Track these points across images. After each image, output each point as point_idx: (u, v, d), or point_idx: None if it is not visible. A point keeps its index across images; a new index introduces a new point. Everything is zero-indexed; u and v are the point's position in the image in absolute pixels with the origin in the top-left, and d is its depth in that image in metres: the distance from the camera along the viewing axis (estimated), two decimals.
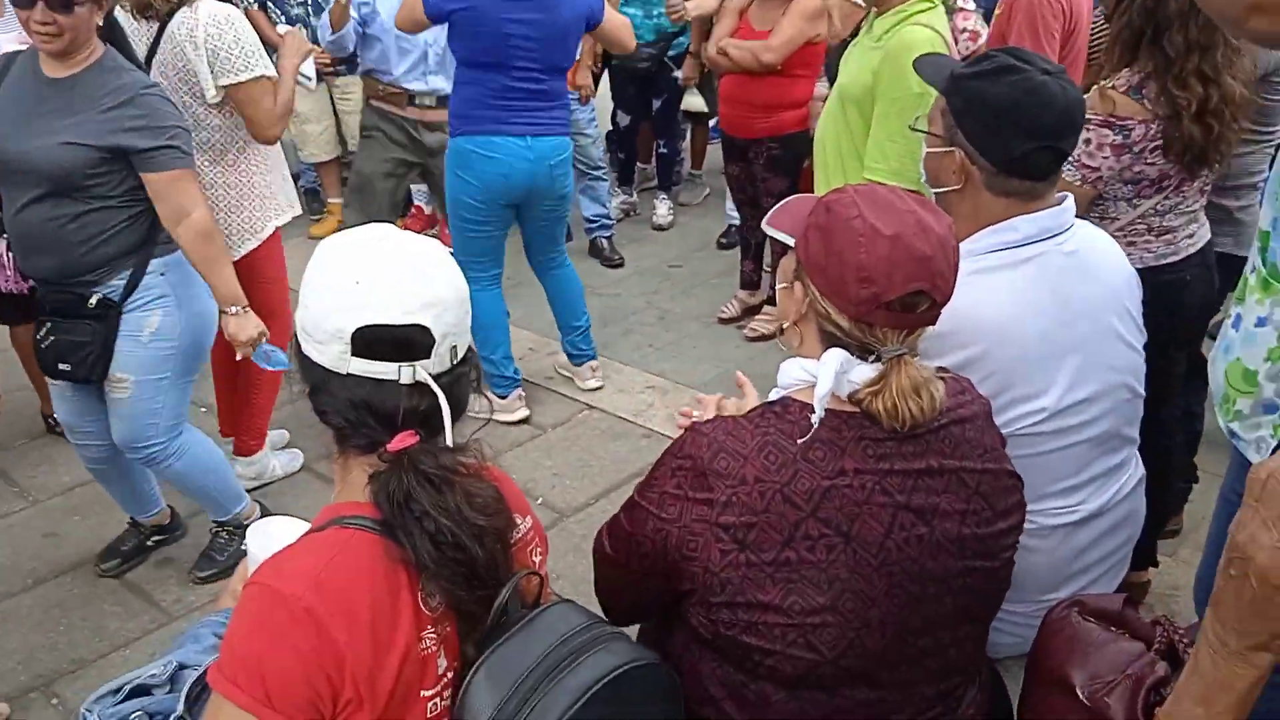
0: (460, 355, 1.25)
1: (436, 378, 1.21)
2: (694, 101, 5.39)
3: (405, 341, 1.19)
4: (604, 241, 5.28)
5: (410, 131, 4.22)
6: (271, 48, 3.29)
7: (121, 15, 2.86)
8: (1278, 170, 1.48)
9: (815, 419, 1.28)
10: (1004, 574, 1.43)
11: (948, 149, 1.72)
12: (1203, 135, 2.16)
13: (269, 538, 1.38)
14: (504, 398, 3.77)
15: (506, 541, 1.27)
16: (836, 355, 1.30)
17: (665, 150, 5.68)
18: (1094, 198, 2.30)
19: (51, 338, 2.60)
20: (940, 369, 1.45)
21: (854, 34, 3.42)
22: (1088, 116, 2.19)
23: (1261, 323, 1.45)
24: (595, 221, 5.27)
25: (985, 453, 1.39)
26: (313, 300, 1.22)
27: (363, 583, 1.15)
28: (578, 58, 4.86)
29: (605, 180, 5.33)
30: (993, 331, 1.64)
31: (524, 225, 3.78)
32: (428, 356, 1.20)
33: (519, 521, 1.34)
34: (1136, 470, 1.86)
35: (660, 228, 5.67)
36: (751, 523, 1.28)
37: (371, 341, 1.18)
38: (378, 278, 1.19)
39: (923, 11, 2.94)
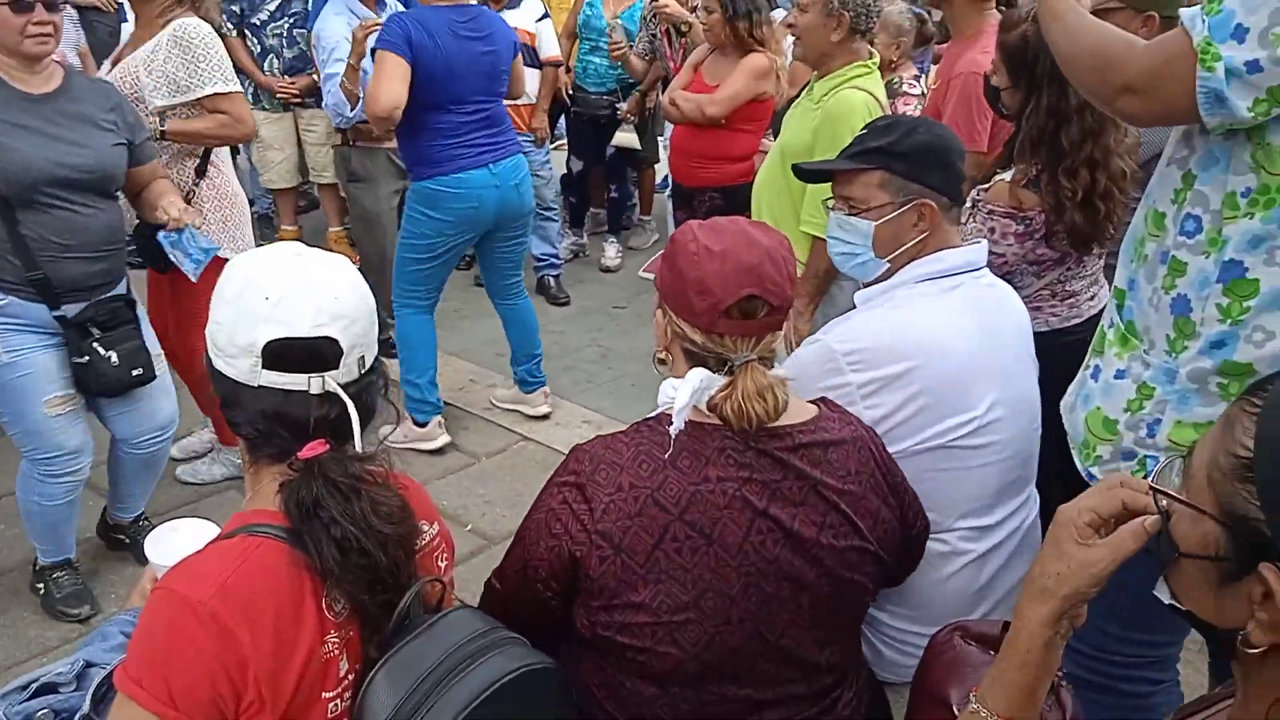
0: (368, 365, 1.31)
1: (345, 387, 1.26)
2: (627, 139, 5.51)
3: (315, 353, 1.25)
4: (551, 280, 5.37)
5: (396, 161, 4.27)
6: (242, 71, 3.36)
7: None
8: (1130, 233, 1.62)
9: (673, 429, 1.40)
10: (863, 591, 1.53)
11: (905, 208, 1.86)
12: (1088, 221, 2.28)
13: (173, 533, 1.44)
14: (424, 425, 3.79)
15: (410, 548, 1.33)
16: (698, 373, 1.43)
17: (616, 195, 5.81)
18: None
19: (112, 352, 2.67)
20: (819, 401, 1.58)
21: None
22: (990, 207, 2.37)
23: (1121, 375, 1.58)
24: (544, 260, 5.37)
25: (849, 475, 1.50)
26: (224, 315, 1.26)
27: (268, 589, 1.20)
28: (533, 101, 5.02)
29: (556, 220, 5.44)
30: (925, 348, 1.77)
31: (486, 255, 3.87)
32: (337, 367, 1.26)
33: (425, 528, 1.39)
34: (1035, 505, 1.98)
35: (608, 269, 5.78)
36: (626, 526, 1.39)
37: (282, 354, 1.24)
38: (287, 293, 1.24)
39: (860, 76, 3.10)
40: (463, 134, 3.52)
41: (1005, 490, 1.86)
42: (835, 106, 3.03)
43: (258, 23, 4.86)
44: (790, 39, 4.44)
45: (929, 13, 4.79)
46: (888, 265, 1.91)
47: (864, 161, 1.89)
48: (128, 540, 3.15)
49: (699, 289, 1.44)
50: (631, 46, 5.17)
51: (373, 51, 3.39)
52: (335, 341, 1.25)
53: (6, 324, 2.60)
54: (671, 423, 1.42)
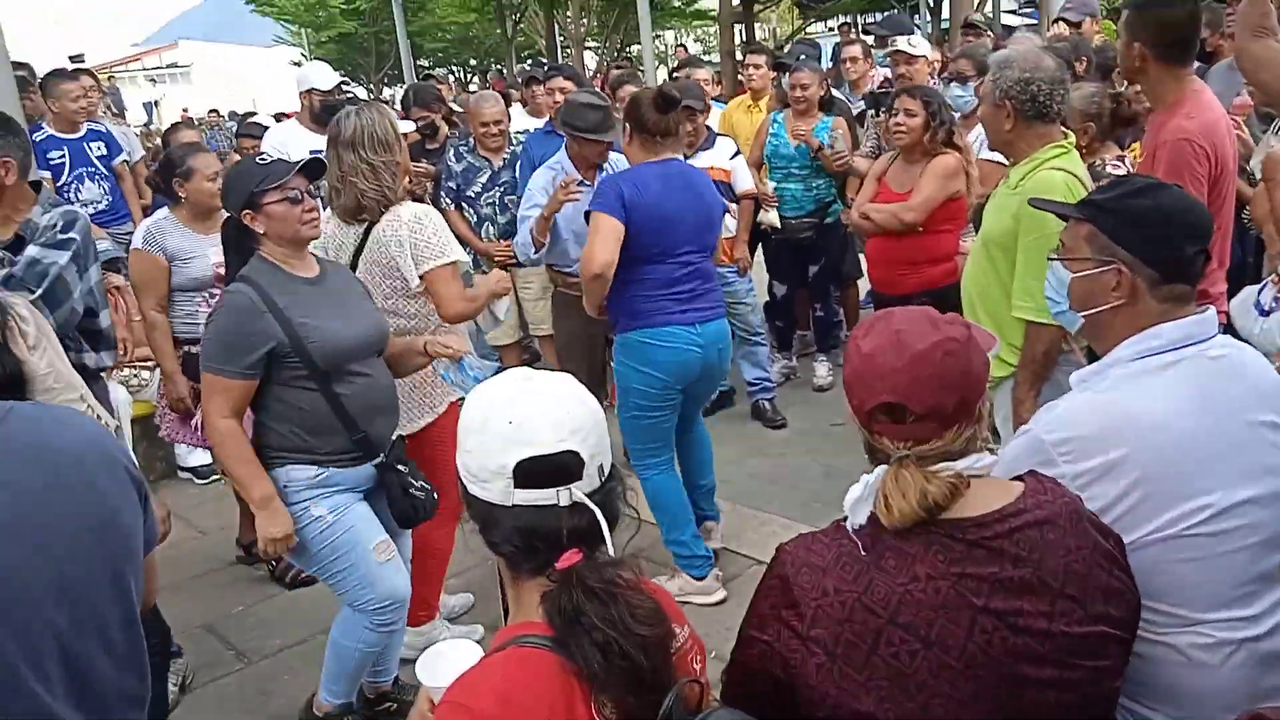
0: (607, 472, 1.39)
1: (590, 495, 1.35)
2: (768, 218, 5.50)
3: (561, 467, 1.34)
4: (766, 404, 5.41)
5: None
6: (463, 240, 3.65)
7: (329, 222, 3.27)
8: None
9: (849, 524, 1.39)
10: (1111, 677, 1.43)
11: (1103, 269, 1.81)
12: None
13: (440, 658, 1.53)
14: (701, 579, 3.70)
15: (667, 650, 1.36)
16: (879, 470, 1.42)
17: (822, 313, 5.85)
18: None
19: (420, 481, 2.91)
20: (1024, 475, 1.52)
21: None
22: None
23: None
24: (757, 385, 5.43)
25: (1070, 552, 1.42)
26: (473, 444, 1.38)
27: (544, 697, 1.26)
28: (734, 232, 5.20)
29: (764, 345, 5.52)
30: (1139, 434, 1.67)
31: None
32: (580, 478, 1.35)
33: (678, 631, 1.43)
34: None
35: (821, 389, 5.76)
36: (838, 633, 1.35)
37: (531, 472, 1.33)
38: (527, 415, 1.35)
39: (1056, 157, 3.06)
40: (672, 287, 3.54)
41: (1267, 571, 1.69)
42: (1034, 187, 2.98)
43: (472, 195, 5.32)
44: (973, 134, 4.44)
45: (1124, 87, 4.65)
46: (1082, 321, 1.85)
47: (1080, 211, 1.87)
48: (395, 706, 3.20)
49: (848, 388, 1.49)
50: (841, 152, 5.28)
51: (587, 215, 3.52)
52: (576, 454, 1.34)
53: (322, 492, 2.78)
54: (871, 522, 1.42)
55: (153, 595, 1.77)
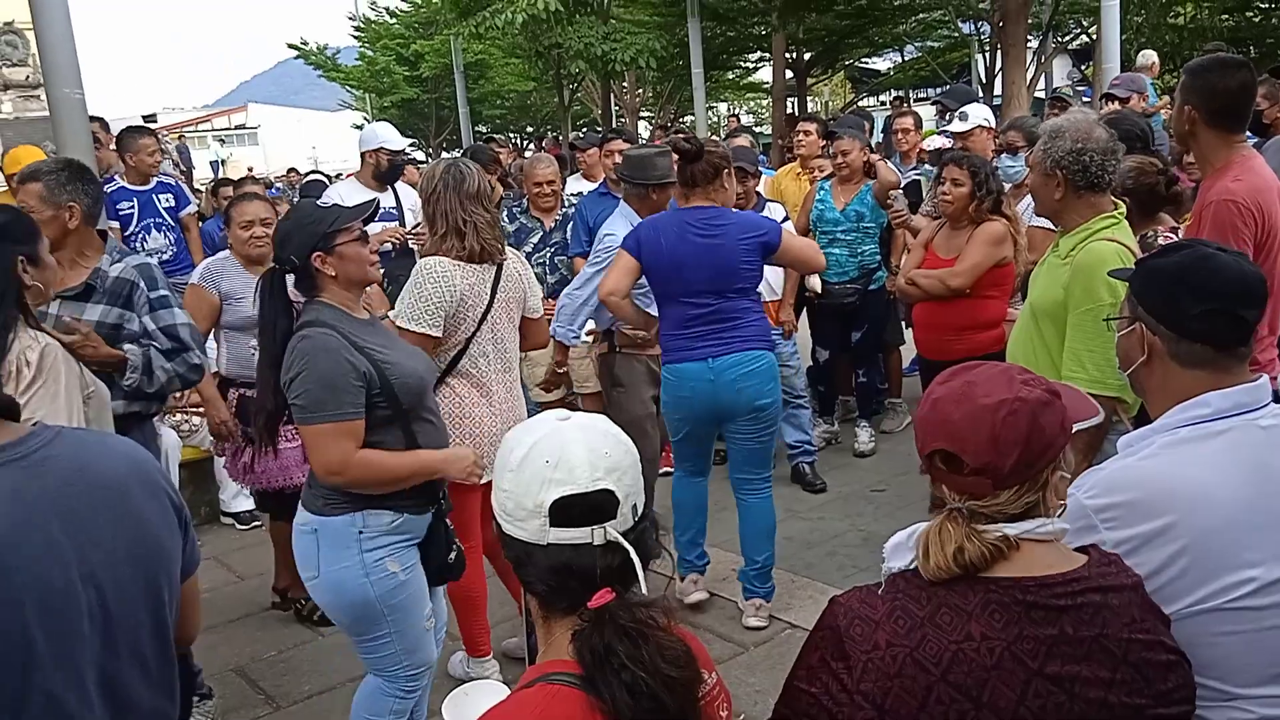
0: (640, 512, 1.39)
1: (624, 535, 1.34)
2: (811, 283, 5.50)
3: (595, 506, 1.33)
4: (806, 467, 5.37)
5: (655, 369, 4.43)
6: None
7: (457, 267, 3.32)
8: None
9: (884, 569, 1.40)
10: None
11: (1131, 326, 1.81)
12: None
13: (466, 697, 1.52)
14: (681, 578, 3.91)
15: (695, 694, 1.34)
16: (927, 523, 1.42)
17: (865, 379, 5.82)
18: None
19: (454, 547, 2.86)
20: (1088, 548, 1.48)
21: None
22: None
23: None
24: (798, 447, 5.40)
25: (1133, 623, 1.39)
26: (510, 483, 1.38)
27: None
28: (780, 296, 5.22)
29: (807, 408, 5.49)
30: (1184, 502, 1.62)
31: (729, 442, 3.97)
32: (615, 517, 1.34)
33: (706, 677, 1.41)
34: None
35: (862, 454, 5.71)
36: (887, 688, 1.33)
37: (567, 510, 1.33)
38: (564, 454, 1.35)
39: (1107, 227, 3.04)
40: (689, 326, 3.73)
41: None
42: (1085, 259, 2.96)
43: (524, 254, 5.39)
44: (1023, 202, 4.43)
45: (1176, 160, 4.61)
46: (1125, 380, 1.84)
47: (1132, 272, 1.87)
48: None
49: (915, 427, 1.51)
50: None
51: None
52: (612, 493, 1.34)
53: (398, 541, 2.68)
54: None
55: (196, 626, 1.76)
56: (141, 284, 3.26)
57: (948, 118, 7.30)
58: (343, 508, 2.63)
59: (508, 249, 3.50)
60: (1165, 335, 1.75)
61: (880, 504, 5.05)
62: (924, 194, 5.67)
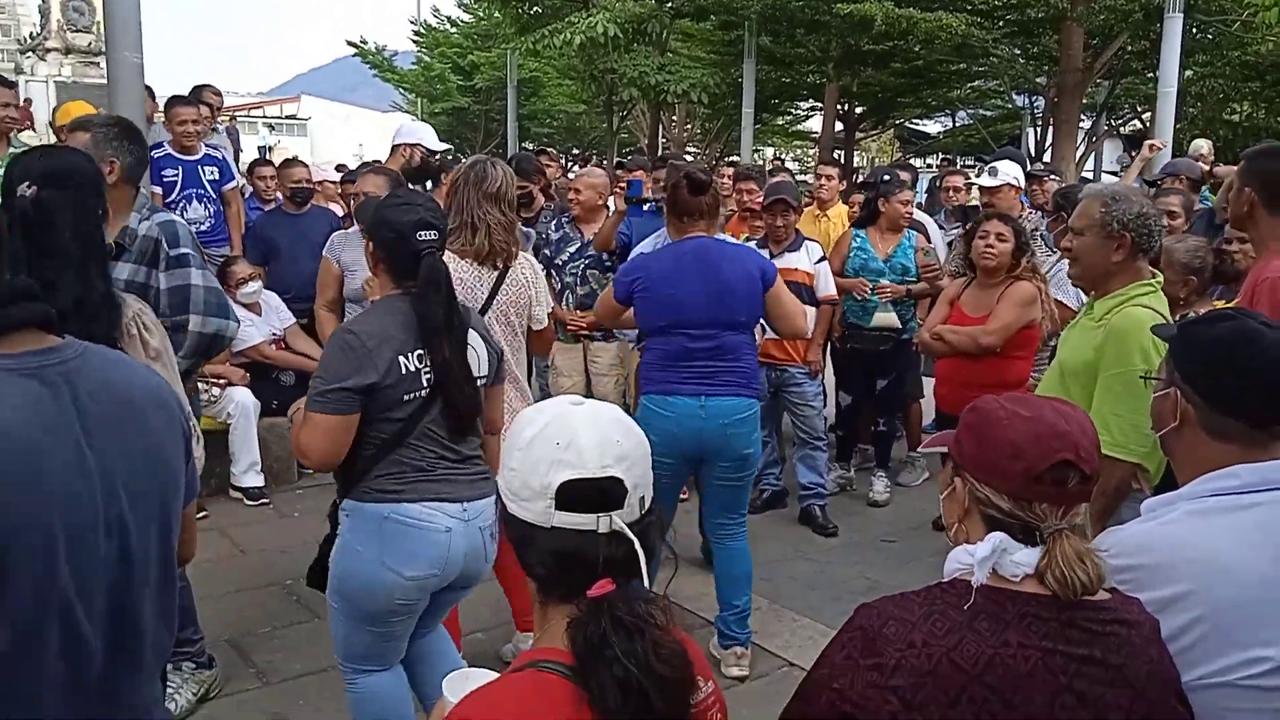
0: (648, 505, 1.38)
1: (629, 526, 1.34)
2: (887, 318, 5.49)
3: (603, 493, 1.33)
4: (817, 509, 5.34)
5: None
6: None
7: (457, 263, 3.29)
8: None
9: (974, 580, 1.36)
10: None
11: (1166, 389, 1.81)
12: None
13: (467, 680, 1.51)
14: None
15: (686, 699, 1.32)
16: (997, 535, 1.40)
17: (884, 428, 5.80)
18: None
19: None
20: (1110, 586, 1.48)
21: None
22: None
23: None
24: (810, 489, 5.37)
25: (1152, 661, 1.40)
26: (518, 463, 1.37)
27: None
28: (810, 336, 5.22)
29: (824, 451, 5.47)
30: (1204, 572, 1.60)
31: (703, 485, 3.83)
32: (621, 507, 1.34)
33: (701, 684, 1.39)
34: None
35: (876, 504, 5.68)
36: (920, 684, 1.33)
37: (573, 494, 1.32)
38: (575, 437, 1.35)
39: (1145, 294, 3.03)
40: (681, 359, 3.62)
41: None
42: (1121, 323, 2.95)
43: (560, 263, 5.44)
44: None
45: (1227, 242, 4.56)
46: (1149, 447, 1.84)
47: (1174, 332, 1.87)
48: None
49: (1010, 452, 1.43)
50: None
51: None
52: (620, 481, 1.34)
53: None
54: (965, 587, 1.39)
55: (190, 549, 1.76)
56: (164, 241, 3.20)
57: (978, 171, 7.37)
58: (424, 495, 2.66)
59: (525, 256, 3.49)
60: (1199, 405, 1.74)
61: (890, 555, 5.01)
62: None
